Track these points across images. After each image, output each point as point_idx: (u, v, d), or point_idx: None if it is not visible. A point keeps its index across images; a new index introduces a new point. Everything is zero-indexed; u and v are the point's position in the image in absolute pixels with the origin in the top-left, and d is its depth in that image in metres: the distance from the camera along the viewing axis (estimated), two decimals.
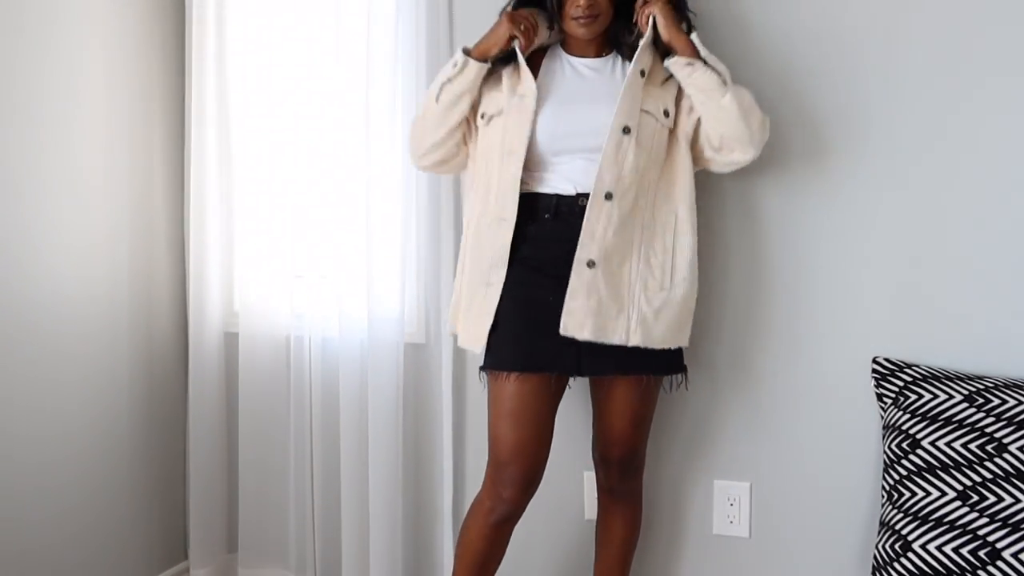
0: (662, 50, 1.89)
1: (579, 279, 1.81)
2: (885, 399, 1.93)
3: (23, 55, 2.10)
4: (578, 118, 1.87)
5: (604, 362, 1.86)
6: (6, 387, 2.08)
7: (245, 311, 2.46)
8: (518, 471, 1.87)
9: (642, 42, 1.87)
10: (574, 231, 1.82)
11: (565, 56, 1.96)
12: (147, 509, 2.50)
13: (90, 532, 2.32)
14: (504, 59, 1.91)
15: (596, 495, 2.09)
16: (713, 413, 2.14)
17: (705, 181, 2.10)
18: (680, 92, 1.91)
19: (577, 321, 1.80)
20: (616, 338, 1.83)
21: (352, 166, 2.33)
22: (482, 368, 1.90)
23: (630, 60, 1.88)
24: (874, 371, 1.96)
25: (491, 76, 1.92)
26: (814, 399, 2.06)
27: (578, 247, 1.81)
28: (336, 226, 2.37)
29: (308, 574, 2.45)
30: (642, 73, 1.86)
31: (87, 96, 2.27)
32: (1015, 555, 1.69)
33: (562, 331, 1.80)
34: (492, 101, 1.92)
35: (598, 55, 1.95)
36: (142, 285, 2.45)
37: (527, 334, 1.85)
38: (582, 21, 1.85)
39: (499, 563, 1.97)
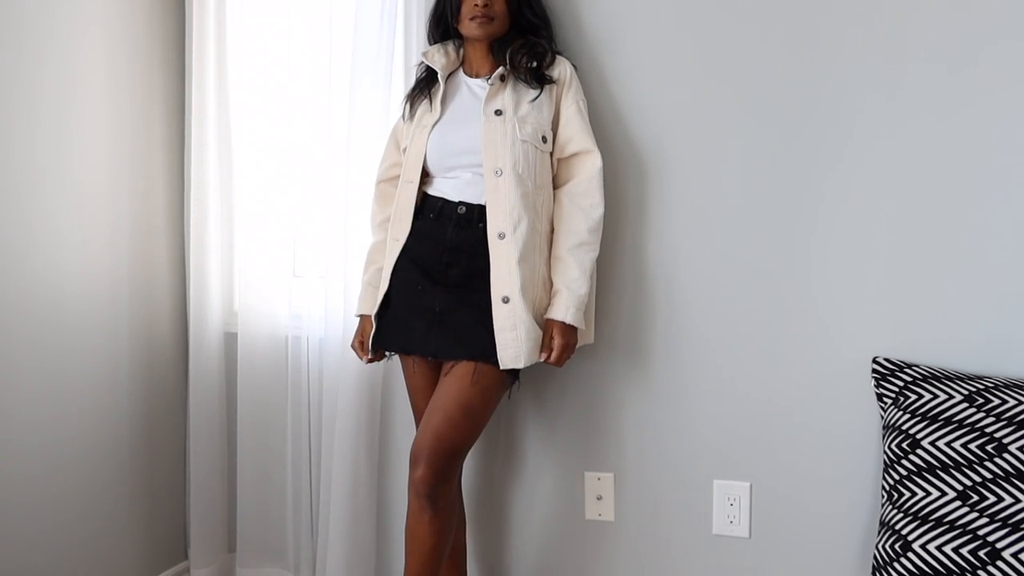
0: (526, 73, 2.01)
1: (499, 312, 1.93)
2: (885, 399, 1.93)
3: (23, 54, 2.10)
4: (462, 137, 2.00)
5: (462, 349, 1.95)
6: (7, 387, 2.08)
7: (245, 311, 2.46)
8: None
9: (490, 83, 2.01)
10: (446, 233, 1.99)
11: (464, 78, 2.09)
12: (147, 509, 2.50)
13: (90, 532, 2.32)
14: (421, 92, 2.09)
15: (415, 503, 1.94)
16: (713, 413, 2.14)
17: (703, 179, 2.11)
18: (557, 113, 2.05)
19: (511, 353, 1.91)
20: (536, 359, 1.95)
21: (352, 166, 2.33)
22: (374, 344, 2.08)
23: (521, 80, 2.01)
24: (874, 371, 1.96)
25: (412, 113, 2.09)
26: (814, 399, 2.06)
27: (491, 284, 1.94)
28: (336, 226, 2.36)
29: (307, 574, 2.45)
30: (497, 112, 1.99)
31: (87, 96, 2.27)
32: (1015, 555, 1.69)
33: (501, 365, 1.91)
34: (407, 135, 2.10)
35: (491, 72, 2.05)
36: (142, 285, 2.45)
37: (405, 319, 2.02)
38: (479, 21, 2.00)
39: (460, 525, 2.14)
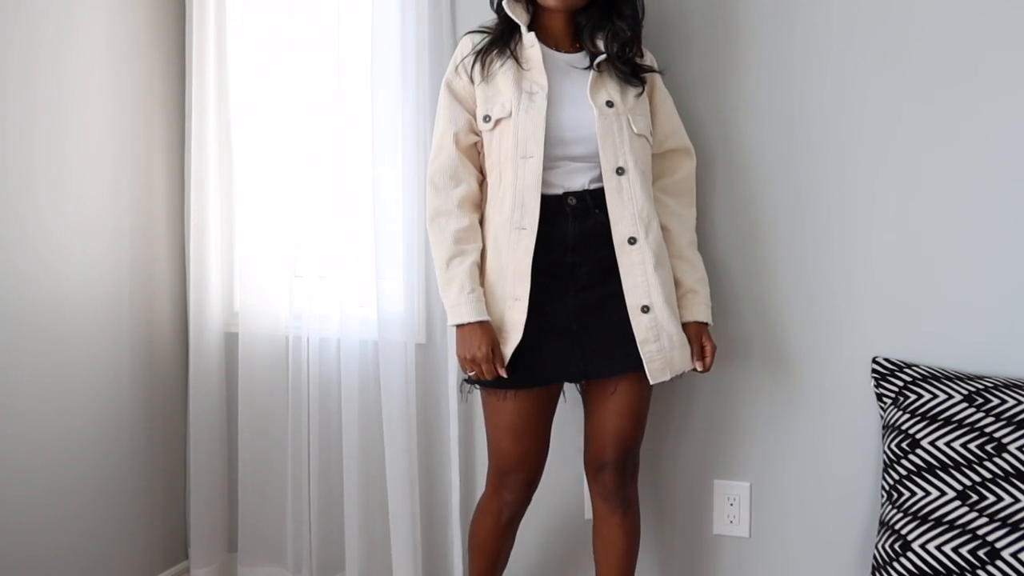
0: (628, 64, 1.84)
1: (639, 324, 1.80)
2: (885, 399, 1.93)
3: (23, 54, 2.10)
4: (573, 123, 1.81)
5: (611, 364, 1.83)
6: (7, 387, 2.09)
7: (245, 311, 2.46)
8: (522, 478, 1.92)
9: (592, 75, 1.81)
10: (564, 234, 1.80)
11: (547, 50, 1.86)
12: (147, 509, 2.50)
13: (91, 532, 2.32)
14: (499, 49, 1.83)
15: (592, 507, 2.01)
16: (713, 413, 2.14)
17: (701, 180, 2.11)
18: (652, 106, 1.91)
19: (659, 365, 1.82)
20: (687, 367, 1.86)
21: (353, 166, 2.34)
22: (487, 384, 1.85)
23: (621, 69, 1.83)
24: (874, 371, 1.96)
25: (487, 73, 1.84)
26: (814, 399, 2.06)
27: (625, 293, 1.80)
28: (336, 226, 2.37)
29: (306, 574, 2.45)
30: (609, 104, 1.81)
31: (88, 96, 2.27)
32: (1014, 555, 1.70)
33: (651, 380, 1.82)
34: (496, 102, 1.83)
35: (572, 48, 1.88)
36: (142, 285, 2.45)
37: (536, 345, 1.81)
38: None
39: (509, 555, 2.05)
